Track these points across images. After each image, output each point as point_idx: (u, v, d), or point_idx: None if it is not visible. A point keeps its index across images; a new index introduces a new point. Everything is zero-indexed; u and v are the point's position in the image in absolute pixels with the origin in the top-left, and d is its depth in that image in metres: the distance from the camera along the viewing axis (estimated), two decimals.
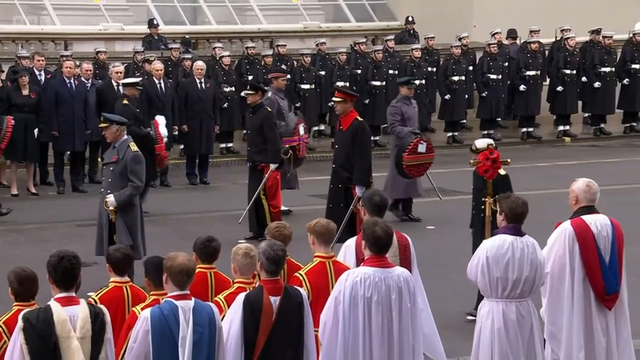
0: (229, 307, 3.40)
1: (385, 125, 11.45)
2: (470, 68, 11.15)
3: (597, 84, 11.22)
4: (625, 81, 11.35)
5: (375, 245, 3.49)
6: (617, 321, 4.04)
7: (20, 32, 11.44)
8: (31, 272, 3.22)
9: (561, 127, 11.43)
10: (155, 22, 11.57)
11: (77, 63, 9.06)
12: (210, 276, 3.81)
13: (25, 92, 8.51)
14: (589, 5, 12.25)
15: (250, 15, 12.87)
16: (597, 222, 4.01)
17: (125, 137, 5.75)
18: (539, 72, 11.16)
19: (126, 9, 12.42)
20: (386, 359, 3.46)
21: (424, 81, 10.96)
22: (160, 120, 7.92)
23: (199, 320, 3.13)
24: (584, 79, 11.29)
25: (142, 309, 3.36)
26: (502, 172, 5.20)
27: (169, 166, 8.94)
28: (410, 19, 12.35)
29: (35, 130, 8.47)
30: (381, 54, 10.91)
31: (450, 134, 11.05)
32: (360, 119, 6.61)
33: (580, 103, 11.45)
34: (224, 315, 3.37)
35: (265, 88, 8.04)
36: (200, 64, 9.36)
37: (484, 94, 11.06)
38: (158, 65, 9.18)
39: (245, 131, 9.02)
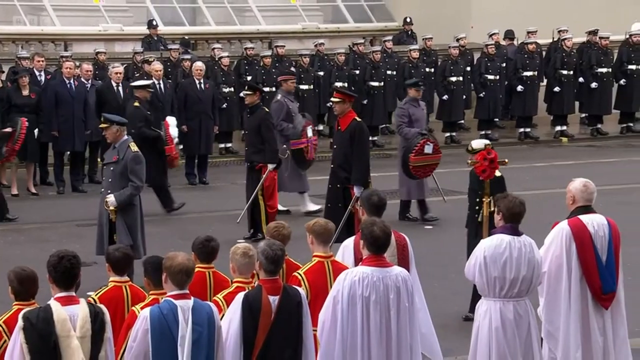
0: (228, 306, 3.41)
1: (384, 125, 11.59)
2: (468, 69, 11.18)
3: (594, 85, 11.26)
4: (622, 82, 11.38)
5: (374, 245, 3.50)
6: (614, 320, 4.05)
7: (20, 33, 11.47)
8: (31, 272, 3.24)
9: (558, 128, 11.45)
10: (154, 23, 11.59)
11: (77, 64, 9.08)
12: (209, 276, 3.83)
13: (26, 92, 8.53)
14: (586, 6, 12.29)
15: (249, 16, 12.89)
16: (594, 222, 4.02)
17: (126, 137, 5.78)
18: (536, 73, 11.19)
19: (126, 10, 12.43)
20: (384, 358, 3.48)
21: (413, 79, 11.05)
22: (171, 121, 7.94)
23: (198, 320, 3.14)
24: (581, 79, 11.32)
25: (142, 308, 3.37)
26: (497, 173, 5.21)
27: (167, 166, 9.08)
28: (408, 20, 12.39)
29: (35, 131, 8.48)
30: (379, 55, 10.94)
31: (448, 134, 11.06)
32: (358, 119, 6.63)
33: (577, 103, 11.49)
34: (223, 315, 3.39)
35: (263, 90, 8.20)
36: (199, 64, 9.40)
37: (481, 95, 11.10)
38: (157, 66, 9.21)
39: (243, 131, 9.05)
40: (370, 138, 8.98)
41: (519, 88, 11.15)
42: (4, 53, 10.80)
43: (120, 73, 8.88)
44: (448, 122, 11.19)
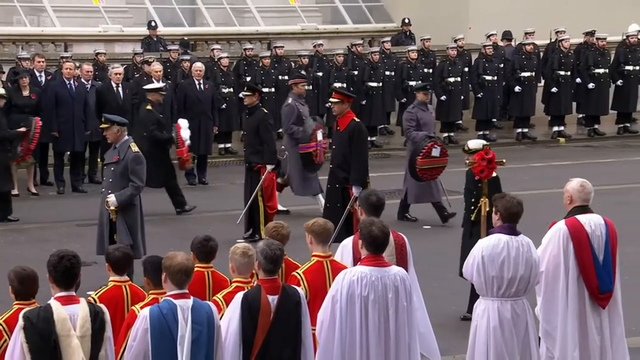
0: (227, 306, 3.42)
1: (382, 126, 11.61)
2: (466, 69, 11.21)
3: (591, 85, 11.28)
4: (619, 82, 11.40)
5: (372, 244, 3.52)
6: (611, 319, 4.06)
7: (20, 34, 11.48)
8: (31, 271, 3.24)
9: (556, 128, 11.47)
10: (154, 24, 11.60)
11: (77, 64, 9.11)
12: (208, 275, 3.84)
13: (26, 93, 8.55)
14: (584, 7, 12.31)
15: (248, 17, 12.90)
16: (591, 222, 4.04)
17: (126, 137, 5.79)
18: (533, 74, 11.22)
19: (125, 11, 12.45)
20: (383, 357, 3.48)
21: (420, 82, 11.07)
22: (183, 123, 7.96)
23: (198, 319, 3.15)
24: (578, 80, 11.34)
25: (142, 307, 3.38)
26: (493, 173, 5.25)
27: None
28: (406, 20, 12.41)
29: None
30: (378, 56, 10.96)
31: (446, 134, 11.08)
32: (357, 119, 6.66)
33: (574, 104, 11.50)
34: (222, 314, 3.39)
35: (262, 91, 8.19)
36: (198, 65, 9.42)
37: (479, 95, 11.13)
38: (157, 66, 9.22)
39: (243, 132, 9.07)
40: (369, 138, 8.95)
41: (517, 89, 11.17)
42: (4, 54, 10.81)
43: (119, 74, 8.90)
44: (446, 123, 11.22)
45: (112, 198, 5.68)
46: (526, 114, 11.35)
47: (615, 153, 10.65)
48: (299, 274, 3.74)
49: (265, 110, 7.35)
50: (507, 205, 3.88)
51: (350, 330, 3.46)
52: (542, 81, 11.41)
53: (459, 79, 11.05)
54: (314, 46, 11.24)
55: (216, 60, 10.39)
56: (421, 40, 11.50)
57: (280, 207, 7.38)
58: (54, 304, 3.05)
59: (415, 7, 12.78)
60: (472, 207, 5.37)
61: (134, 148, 5.74)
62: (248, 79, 10.39)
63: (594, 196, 4.10)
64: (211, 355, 3.17)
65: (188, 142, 7.96)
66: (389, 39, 11.67)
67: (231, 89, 10.30)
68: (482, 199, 5.08)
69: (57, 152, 8.87)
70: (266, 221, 6.19)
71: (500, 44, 11.56)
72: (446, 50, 11.15)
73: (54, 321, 3.00)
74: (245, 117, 7.63)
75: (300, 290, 3.48)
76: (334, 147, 6.67)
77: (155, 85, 8.29)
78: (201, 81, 9.31)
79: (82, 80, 8.96)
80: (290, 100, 7.91)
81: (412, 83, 10.94)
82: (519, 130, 11.40)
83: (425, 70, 11.12)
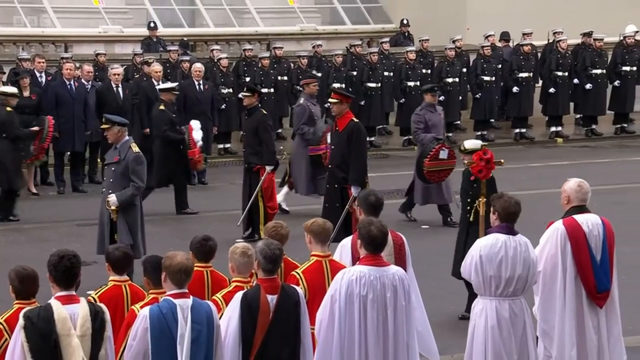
0: (227, 305, 3.44)
1: (381, 126, 11.62)
2: (464, 70, 11.23)
3: (588, 86, 11.31)
4: (616, 83, 11.44)
5: (371, 244, 3.53)
6: (608, 319, 4.07)
7: (21, 35, 11.49)
8: (32, 271, 3.25)
9: (553, 128, 11.50)
10: (153, 24, 11.61)
11: (77, 65, 9.13)
12: (207, 275, 3.85)
13: (26, 93, 8.58)
14: (581, 8, 12.33)
15: (248, 17, 12.91)
16: (589, 222, 4.05)
17: (127, 138, 5.81)
18: (531, 74, 11.24)
19: (125, 12, 12.47)
20: (381, 356, 3.50)
21: (418, 83, 11.00)
22: (195, 125, 7.97)
23: (197, 318, 3.16)
24: (575, 80, 11.37)
25: (141, 307, 3.39)
26: (491, 173, 5.26)
27: None
28: (405, 21, 12.43)
29: None
30: (376, 56, 10.98)
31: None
32: (356, 120, 6.67)
33: (572, 104, 11.53)
34: (222, 314, 3.41)
35: (262, 92, 8.17)
36: (198, 66, 9.45)
37: (477, 96, 11.15)
38: (157, 67, 9.25)
39: (242, 132, 9.10)
40: (368, 138, 8.96)
41: (515, 89, 11.19)
42: (4, 54, 10.85)
43: (118, 74, 8.92)
44: (444, 123, 11.30)
45: (112, 198, 5.70)
46: (524, 114, 11.38)
47: (612, 153, 10.67)
48: (298, 274, 3.75)
49: (264, 111, 7.37)
50: (505, 205, 3.89)
51: (349, 330, 3.47)
52: (540, 82, 11.44)
53: (457, 79, 11.08)
54: (313, 47, 11.27)
55: (216, 60, 10.41)
56: (420, 41, 11.52)
57: (284, 207, 7.34)
58: (54, 303, 3.06)
59: (414, 8, 12.79)
60: (468, 207, 5.38)
61: (135, 148, 5.76)
62: (247, 79, 10.41)
63: (592, 196, 4.12)
64: (211, 354, 3.18)
65: (200, 143, 7.96)
66: (387, 39, 11.70)
67: (230, 90, 10.31)
68: (480, 199, 5.09)
69: (58, 152, 8.89)
70: (266, 221, 6.21)
71: (498, 44, 11.58)
72: (444, 51, 11.17)
73: (54, 320, 3.01)
74: (244, 118, 7.62)
75: (300, 290, 3.49)
76: (332, 147, 6.69)
77: (168, 85, 8.30)
78: (201, 82, 9.33)
79: (83, 80, 8.98)
80: (302, 100, 7.90)
81: (411, 84, 11.00)
82: (517, 130, 11.43)
83: (424, 71, 11.15)
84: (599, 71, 11.35)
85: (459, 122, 11.59)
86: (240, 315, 3.32)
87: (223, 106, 10.13)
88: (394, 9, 13.21)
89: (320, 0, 13.56)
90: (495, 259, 3.85)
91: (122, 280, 3.76)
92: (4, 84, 8.82)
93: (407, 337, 3.54)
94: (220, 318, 3.33)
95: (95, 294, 3.71)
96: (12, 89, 7.95)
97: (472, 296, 4.98)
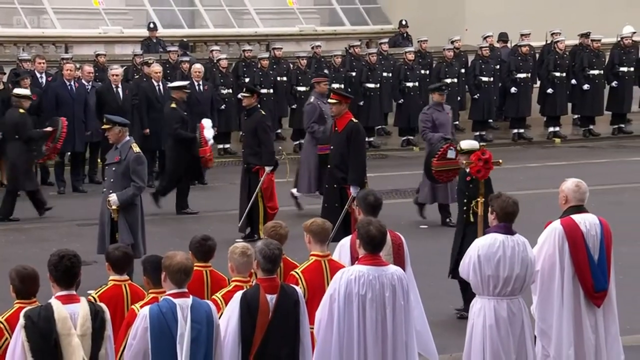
0: (226, 304, 3.45)
1: (380, 126, 11.63)
2: (463, 71, 11.26)
3: (586, 87, 11.33)
4: (614, 83, 11.47)
5: (370, 244, 3.54)
6: (606, 318, 4.08)
7: (21, 36, 11.51)
8: (32, 270, 3.26)
9: (551, 129, 11.53)
10: (153, 25, 11.62)
11: (78, 66, 9.16)
12: (206, 274, 3.86)
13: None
14: (579, 9, 12.35)
15: (247, 18, 12.93)
16: (586, 222, 4.06)
17: (128, 138, 5.83)
18: (529, 75, 11.27)
19: (125, 12, 12.50)
20: (380, 355, 3.51)
21: (417, 83, 11.02)
22: (206, 123, 7.99)
23: (197, 318, 3.18)
24: (573, 81, 11.39)
25: (141, 306, 3.40)
26: (489, 173, 5.28)
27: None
28: (403, 22, 12.47)
29: None
30: (375, 57, 11.01)
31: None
32: (355, 120, 6.69)
33: (569, 105, 11.56)
34: (221, 313, 3.42)
35: (261, 92, 8.19)
36: (198, 66, 9.49)
37: (476, 96, 11.18)
38: (157, 67, 9.27)
39: (241, 133, 9.13)
40: (367, 139, 9.00)
41: (513, 90, 11.22)
42: (5, 55, 10.86)
43: (117, 75, 8.93)
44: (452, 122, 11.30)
45: (113, 197, 5.72)
46: (522, 114, 11.41)
47: (610, 153, 10.69)
48: (298, 273, 3.76)
49: (263, 112, 7.39)
50: (503, 205, 3.90)
51: (348, 329, 3.48)
52: (538, 82, 11.47)
53: (455, 80, 11.09)
54: (312, 47, 11.27)
55: (215, 61, 10.43)
56: (418, 41, 11.55)
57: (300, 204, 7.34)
58: (55, 303, 3.07)
59: (413, 9, 12.82)
60: (465, 208, 5.39)
61: (135, 148, 5.77)
62: (247, 80, 10.43)
63: (589, 196, 4.12)
64: (210, 353, 3.19)
65: (211, 141, 7.96)
66: (386, 40, 11.74)
67: (230, 90, 10.34)
68: (479, 199, 5.11)
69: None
70: (266, 221, 6.24)
71: (497, 45, 11.62)
72: (443, 51, 11.20)
73: (54, 320, 3.02)
74: (243, 119, 7.64)
75: (299, 289, 3.51)
76: (332, 147, 6.70)
77: (180, 83, 8.30)
78: (200, 82, 9.37)
79: (83, 81, 9.00)
80: (312, 98, 7.89)
81: (409, 84, 11.00)
82: (515, 130, 11.45)
83: (422, 71, 11.17)
84: (596, 72, 11.38)
85: (457, 122, 11.59)
86: (239, 314, 3.33)
87: (223, 107, 10.15)
88: (393, 10, 13.23)
89: (319, 1, 13.57)
90: (494, 259, 3.86)
91: (122, 280, 3.77)
92: (5, 84, 8.80)
93: (406, 336, 3.55)
94: (219, 317, 3.34)
95: (96, 294, 3.72)
96: (25, 91, 7.98)
97: (465, 293, 5.02)
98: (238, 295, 3.40)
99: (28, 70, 9.20)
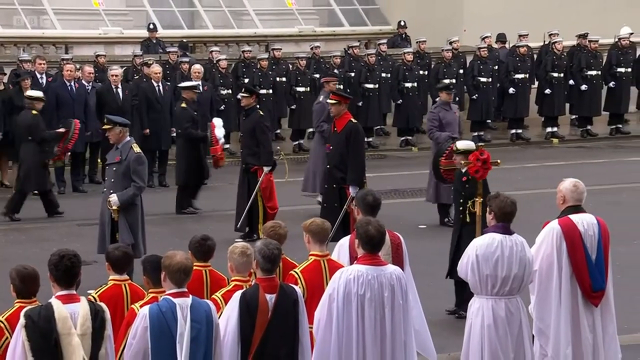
0: (226, 304, 3.46)
1: (378, 127, 11.66)
2: (461, 71, 11.28)
3: (584, 87, 11.36)
4: (611, 84, 11.50)
5: (368, 243, 3.55)
6: (604, 317, 4.09)
7: (22, 36, 11.52)
8: (32, 270, 3.27)
9: (549, 129, 11.55)
10: (153, 26, 11.62)
11: (78, 66, 9.19)
12: (206, 274, 3.87)
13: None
14: (577, 10, 12.38)
15: (247, 19, 12.94)
16: (584, 221, 4.07)
17: (128, 138, 5.84)
18: (527, 75, 11.29)
19: (125, 13, 12.51)
20: (379, 354, 3.52)
21: (415, 84, 11.04)
22: (217, 122, 8.00)
23: (197, 317, 3.19)
24: (571, 82, 11.42)
25: (141, 306, 3.41)
26: (487, 174, 5.29)
27: (167, 167, 9.11)
28: (402, 23, 12.49)
29: None
30: (374, 58, 11.03)
31: None
32: (354, 120, 6.71)
33: (567, 105, 11.59)
34: (221, 313, 3.43)
35: (260, 93, 8.20)
36: (197, 67, 9.50)
37: (474, 97, 11.19)
38: (156, 68, 9.29)
39: (240, 133, 9.18)
40: (365, 139, 9.00)
41: (511, 90, 11.25)
42: (5, 56, 10.85)
43: (116, 75, 8.96)
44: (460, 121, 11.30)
45: (114, 198, 5.73)
46: (520, 115, 11.43)
47: (607, 153, 10.71)
48: (297, 273, 3.77)
49: (262, 112, 7.40)
50: (501, 205, 3.91)
51: (346, 328, 3.49)
52: (536, 83, 11.49)
53: (454, 80, 11.08)
54: (311, 48, 11.29)
55: (215, 62, 10.46)
56: (417, 42, 11.58)
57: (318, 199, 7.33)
58: (55, 302, 3.08)
59: (411, 10, 12.83)
60: (461, 208, 5.40)
61: (136, 149, 5.79)
62: (246, 80, 10.45)
63: (587, 196, 4.14)
64: (210, 353, 3.20)
65: (222, 140, 8.00)
66: (385, 41, 11.74)
67: (229, 91, 10.35)
68: (477, 199, 5.12)
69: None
70: (265, 221, 6.26)
71: (495, 46, 11.64)
72: (441, 52, 11.22)
73: (55, 319, 3.02)
74: (242, 119, 7.65)
75: (298, 289, 3.52)
76: (331, 147, 6.71)
77: (191, 83, 8.35)
78: (200, 83, 9.38)
79: (83, 81, 9.01)
80: (321, 98, 7.91)
81: (408, 85, 11.01)
82: (513, 131, 11.48)
83: (421, 72, 11.19)
84: (594, 72, 11.41)
85: None
86: (239, 314, 3.34)
87: (222, 107, 10.17)
88: (392, 11, 13.25)
89: (318, 2, 13.58)
90: (492, 259, 3.87)
91: (122, 280, 3.77)
92: (5, 85, 8.81)
93: (405, 335, 3.56)
94: (219, 317, 3.34)
95: (96, 293, 3.72)
96: (38, 93, 8.03)
97: (462, 293, 5.02)
98: (237, 294, 3.41)
99: (28, 70, 9.22)
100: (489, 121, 11.56)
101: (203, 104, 9.34)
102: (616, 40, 11.59)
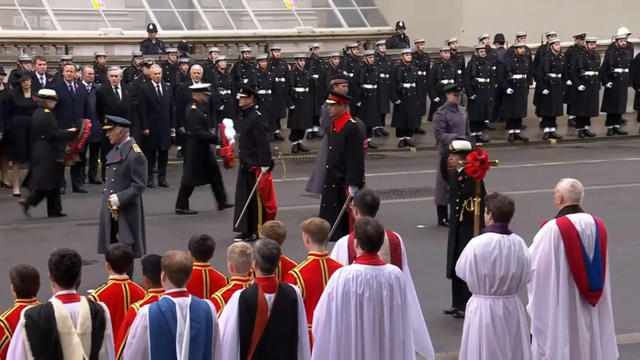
0: (226, 303, 3.47)
1: (377, 127, 11.68)
2: (459, 72, 11.30)
3: (581, 88, 11.39)
4: (609, 84, 11.53)
5: (367, 243, 3.56)
6: (601, 317, 4.11)
7: (22, 37, 11.52)
8: (33, 270, 3.29)
9: (547, 129, 11.57)
10: (152, 27, 11.63)
11: (78, 67, 9.19)
12: (205, 274, 3.88)
13: (27, 95, 8.66)
14: (574, 11, 12.38)
15: (246, 20, 12.95)
16: (582, 221, 4.08)
17: (128, 138, 5.86)
18: (525, 76, 11.32)
19: (125, 14, 12.50)
20: (378, 353, 3.53)
21: (414, 84, 11.05)
22: (227, 123, 8.02)
23: (196, 317, 3.20)
24: (568, 82, 11.44)
25: (141, 305, 3.42)
26: (485, 174, 5.31)
27: (166, 167, 9.11)
28: (401, 24, 12.52)
29: None
30: (373, 58, 11.06)
31: None
32: (353, 120, 6.73)
33: (565, 106, 11.61)
34: (220, 312, 3.44)
35: (258, 93, 8.14)
36: (197, 67, 9.50)
37: (472, 97, 11.21)
38: (156, 69, 9.29)
39: (238, 134, 9.20)
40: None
41: (509, 91, 11.28)
42: (5, 56, 10.86)
43: (116, 76, 8.98)
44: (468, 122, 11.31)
45: (114, 198, 5.75)
46: (518, 115, 11.46)
47: (605, 154, 10.73)
48: (296, 273, 3.78)
49: (259, 113, 7.42)
50: (499, 205, 3.93)
51: (345, 328, 3.50)
52: (534, 83, 11.51)
53: (452, 81, 11.12)
54: (310, 49, 11.31)
55: (214, 62, 10.47)
56: (415, 43, 11.59)
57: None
58: (55, 302, 3.09)
59: (410, 11, 12.84)
60: (457, 208, 5.41)
61: (136, 149, 5.81)
62: (245, 81, 10.46)
63: (585, 196, 4.15)
64: (209, 352, 3.21)
65: (232, 141, 7.99)
66: (383, 41, 11.74)
67: (229, 91, 10.36)
68: (475, 199, 5.14)
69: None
70: (264, 221, 6.27)
71: (493, 46, 11.66)
72: (440, 53, 11.23)
73: (55, 319, 3.03)
74: (239, 119, 7.67)
75: (297, 289, 3.53)
76: (330, 147, 6.73)
77: (201, 85, 8.38)
78: (209, 85, 9.39)
79: (83, 82, 9.03)
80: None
81: (406, 85, 11.02)
82: (511, 131, 11.51)
83: (419, 72, 11.21)
84: (591, 73, 11.43)
85: None
86: (238, 313, 3.35)
87: (221, 107, 10.17)
88: (390, 12, 13.26)
89: (317, 2, 13.59)
90: (490, 258, 3.88)
91: (121, 279, 3.79)
92: (5, 85, 8.79)
93: (403, 334, 3.57)
94: (219, 316, 3.36)
95: (95, 293, 3.73)
96: (51, 92, 8.05)
97: (460, 293, 5.03)
98: (237, 294, 3.42)
99: (28, 71, 9.23)
100: (487, 121, 11.57)
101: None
102: (613, 41, 11.63)
